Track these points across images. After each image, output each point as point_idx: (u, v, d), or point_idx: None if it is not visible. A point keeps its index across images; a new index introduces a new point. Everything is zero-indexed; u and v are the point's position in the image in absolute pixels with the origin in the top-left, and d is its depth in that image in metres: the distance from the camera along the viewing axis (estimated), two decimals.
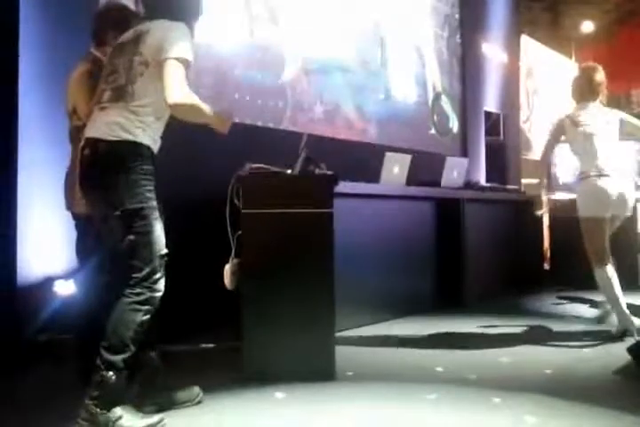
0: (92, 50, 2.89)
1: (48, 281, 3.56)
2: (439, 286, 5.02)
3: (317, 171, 3.22)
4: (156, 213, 2.38)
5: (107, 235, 2.43)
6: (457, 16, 7.75)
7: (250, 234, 2.96)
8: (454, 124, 7.52)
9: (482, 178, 7.46)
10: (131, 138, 2.34)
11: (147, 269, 2.34)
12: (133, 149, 2.34)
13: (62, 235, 3.43)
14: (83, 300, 2.82)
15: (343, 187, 3.38)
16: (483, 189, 5.82)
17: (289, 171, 3.14)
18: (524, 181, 8.46)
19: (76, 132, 2.75)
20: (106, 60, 2.56)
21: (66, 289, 3.48)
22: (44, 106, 3.51)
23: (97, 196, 2.40)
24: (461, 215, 5.15)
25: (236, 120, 3.17)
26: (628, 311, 3.77)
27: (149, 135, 2.39)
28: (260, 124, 5.04)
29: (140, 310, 2.31)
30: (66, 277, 3.51)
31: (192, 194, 3.99)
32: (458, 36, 7.74)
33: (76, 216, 2.89)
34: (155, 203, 2.38)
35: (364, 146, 5.88)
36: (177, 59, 2.31)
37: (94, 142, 2.36)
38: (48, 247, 3.58)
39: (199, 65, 4.43)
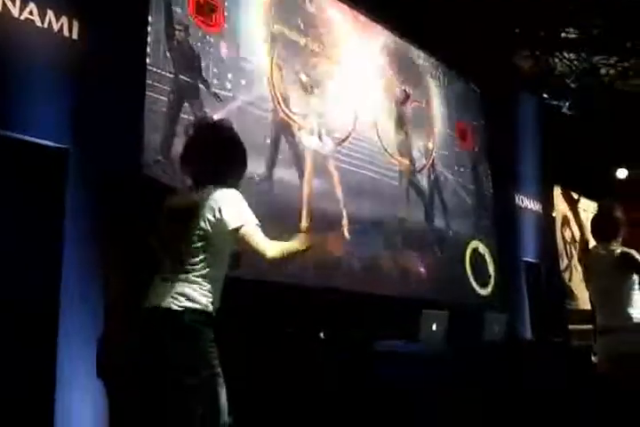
0: None
1: None
2: None
3: None
4: (221, 380, 2.37)
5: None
6: (488, 171, 7.93)
7: None
8: (493, 275, 7.37)
9: (527, 331, 7.19)
10: (197, 306, 2.39)
11: None
12: (200, 317, 2.39)
13: None
14: None
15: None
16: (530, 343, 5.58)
17: None
18: (571, 327, 8.11)
19: None
20: (160, 225, 2.55)
21: None
22: None
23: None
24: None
25: None
26: None
27: (211, 302, 2.43)
28: None
29: None
30: None
31: None
32: (490, 190, 7.87)
33: None
34: (220, 370, 2.38)
35: (398, 300, 5.68)
36: (245, 225, 2.41)
37: (161, 311, 2.39)
38: None
39: None
